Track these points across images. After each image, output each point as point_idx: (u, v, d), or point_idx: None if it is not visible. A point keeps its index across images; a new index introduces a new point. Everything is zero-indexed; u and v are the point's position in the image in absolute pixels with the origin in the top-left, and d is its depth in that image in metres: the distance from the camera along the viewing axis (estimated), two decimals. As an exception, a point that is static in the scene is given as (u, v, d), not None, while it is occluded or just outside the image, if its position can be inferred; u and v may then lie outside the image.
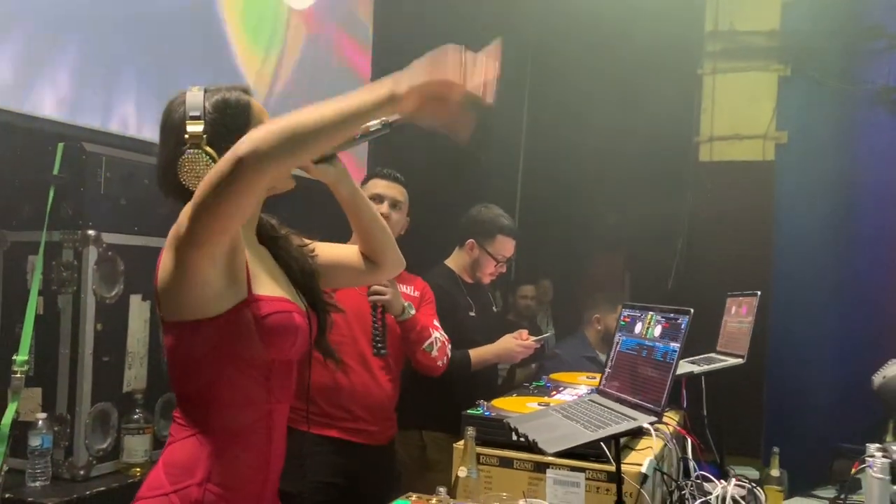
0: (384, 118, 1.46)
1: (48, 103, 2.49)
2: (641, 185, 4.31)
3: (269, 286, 1.45)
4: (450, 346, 2.62)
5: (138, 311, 2.51)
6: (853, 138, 4.10)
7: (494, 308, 3.14)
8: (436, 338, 2.55)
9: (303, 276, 1.59)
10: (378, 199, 2.53)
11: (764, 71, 4.40)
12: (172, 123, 1.43)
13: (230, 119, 1.43)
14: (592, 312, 3.72)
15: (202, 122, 1.40)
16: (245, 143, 1.20)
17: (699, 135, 4.53)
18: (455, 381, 2.66)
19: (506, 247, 2.97)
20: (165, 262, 1.36)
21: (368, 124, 1.46)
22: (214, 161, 1.37)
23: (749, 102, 4.41)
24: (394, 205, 2.59)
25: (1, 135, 2.40)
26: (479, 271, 2.99)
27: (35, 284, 2.34)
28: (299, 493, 2.02)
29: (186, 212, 1.28)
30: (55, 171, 2.39)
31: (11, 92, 2.38)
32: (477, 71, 1.28)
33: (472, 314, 2.94)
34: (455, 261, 3.03)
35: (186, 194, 1.35)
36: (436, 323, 2.61)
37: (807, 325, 3.98)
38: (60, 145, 2.40)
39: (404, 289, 2.57)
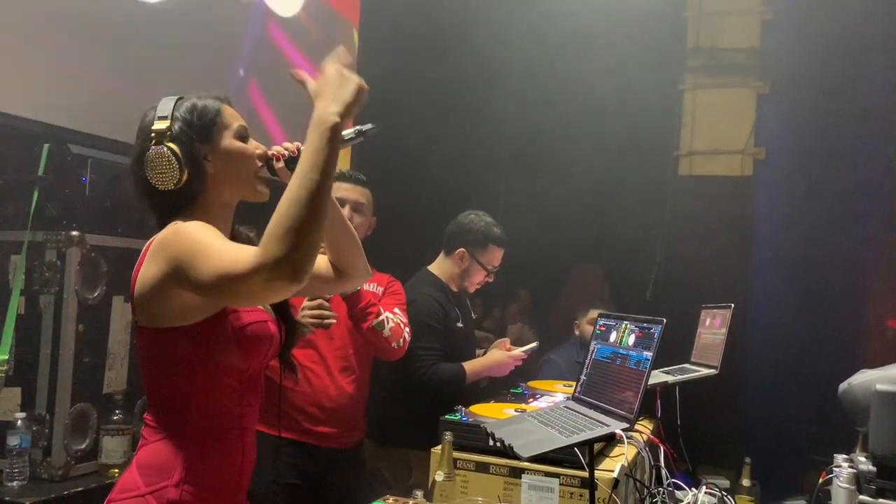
0: (358, 127, 1.53)
1: (33, 104, 2.49)
2: (621, 197, 4.36)
3: None
4: (408, 332, 2.50)
5: (120, 313, 2.52)
6: (830, 155, 4.16)
7: (473, 315, 3.09)
8: (387, 317, 2.42)
9: None
10: (339, 202, 2.46)
11: (743, 87, 4.47)
12: (143, 126, 1.49)
13: (196, 121, 1.48)
14: (574, 320, 3.85)
15: (168, 121, 1.45)
16: (267, 254, 1.20)
17: (679, 149, 4.59)
18: (446, 398, 2.47)
19: (496, 256, 2.91)
20: (148, 274, 1.39)
21: (342, 133, 1.48)
22: (176, 157, 1.42)
23: (728, 118, 4.47)
24: (356, 208, 2.53)
25: (-13, 134, 2.41)
26: (468, 281, 2.92)
27: (17, 284, 2.35)
28: (264, 494, 1.98)
29: (207, 264, 1.27)
30: (40, 172, 2.40)
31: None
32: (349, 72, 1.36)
33: (460, 325, 2.88)
34: (441, 268, 2.93)
35: (151, 190, 1.44)
36: (396, 310, 2.51)
37: (782, 338, 4.03)
38: (46, 146, 2.42)
39: (366, 287, 2.46)
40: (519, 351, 2.84)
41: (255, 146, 1.55)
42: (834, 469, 1.92)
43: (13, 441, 2.23)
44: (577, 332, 3.81)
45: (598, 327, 1.99)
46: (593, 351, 1.96)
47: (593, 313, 3.68)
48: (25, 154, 2.43)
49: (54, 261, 2.36)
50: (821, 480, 2.04)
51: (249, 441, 1.52)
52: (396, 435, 2.76)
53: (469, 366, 2.76)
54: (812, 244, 4.06)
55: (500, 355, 2.82)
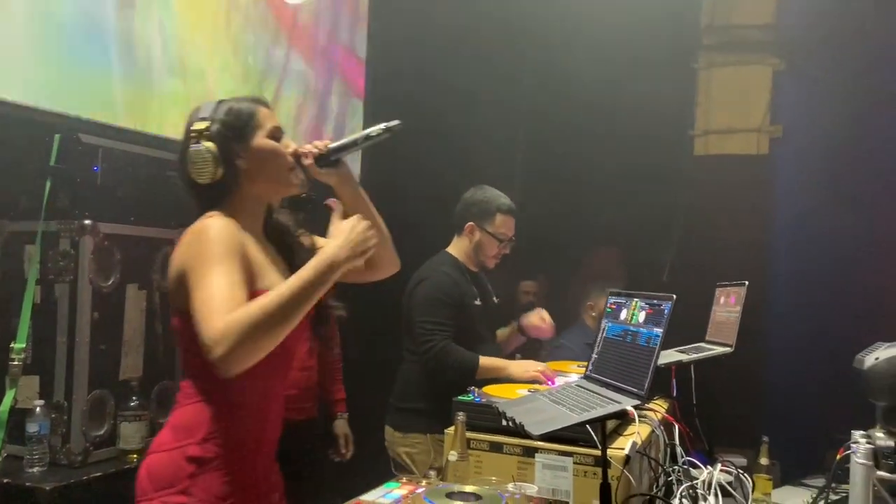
0: (385, 124, 1.72)
1: (45, 94, 2.51)
2: (637, 178, 4.32)
3: (273, 279, 1.61)
4: None
5: (134, 300, 2.54)
6: (848, 132, 4.10)
7: (495, 299, 3.02)
8: None
9: None
10: None
11: (759, 65, 4.41)
12: (187, 125, 1.65)
13: (233, 121, 1.63)
14: (586, 301, 3.82)
15: (207, 122, 1.61)
16: (217, 348, 1.36)
17: (694, 128, 4.54)
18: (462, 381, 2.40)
19: (507, 225, 2.87)
20: (174, 261, 1.57)
21: (369, 130, 1.72)
22: (212, 154, 1.58)
23: (744, 96, 4.42)
24: None
25: (-1, 125, 2.43)
26: (483, 255, 2.87)
27: (32, 274, 2.37)
28: None
29: (198, 300, 1.45)
30: (52, 162, 2.42)
31: (9, 83, 2.40)
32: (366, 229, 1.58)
33: (478, 303, 2.83)
34: (457, 248, 2.90)
35: (192, 183, 1.62)
36: None
37: (800, 316, 3.99)
38: (57, 136, 2.43)
39: None
40: (541, 365, 2.62)
41: (286, 145, 1.69)
42: (851, 445, 1.90)
43: (32, 428, 2.26)
44: (593, 314, 3.78)
45: (608, 305, 1.98)
46: (604, 329, 1.95)
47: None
48: (37, 144, 2.45)
49: (68, 250, 2.38)
50: (838, 457, 2.02)
51: (275, 408, 1.68)
52: (415, 420, 2.74)
53: (485, 361, 2.64)
54: (829, 221, 4.00)
55: (520, 368, 2.60)
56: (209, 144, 1.59)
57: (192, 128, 1.62)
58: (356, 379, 3.17)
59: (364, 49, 4.29)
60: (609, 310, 1.97)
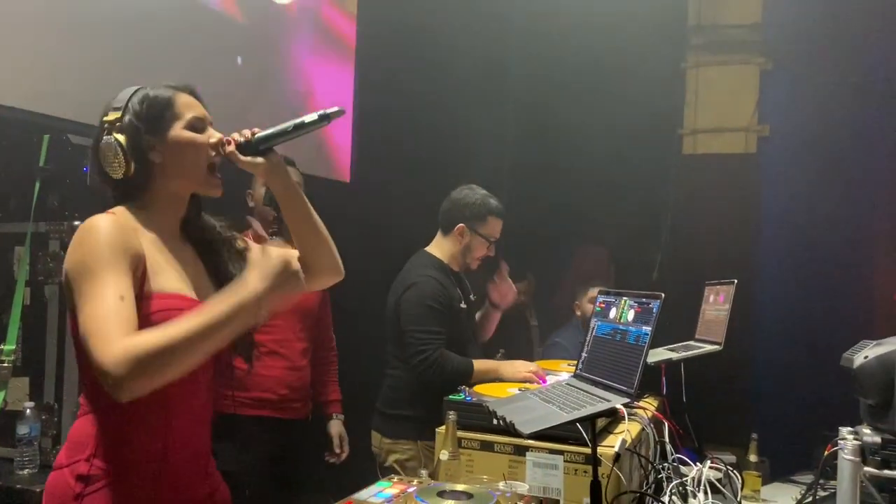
0: (322, 111, 1.53)
1: (33, 95, 2.50)
2: (626, 177, 4.35)
3: (169, 282, 1.48)
4: None
5: (124, 302, 2.53)
6: (835, 131, 4.13)
7: (472, 297, 2.97)
8: None
9: (228, 278, 1.55)
10: None
11: (746, 64, 4.45)
12: (102, 116, 1.52)
13: (145, 112, 1.49)
14: (574, 301, 3.85)
15: (119, 112, 1.48)
16: (113, 375, 1.23)
17: (683, 128, 4.57)
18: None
19: (496, 228, 2.83)
20: (66, 269, 1.41)
21: (304, 118, 1.54)
22: (122, 148, 1.46)
23: (732, 95, 4.46)
24: None
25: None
26: (469, 257, 2.83)
27: (22, 275, 2.36)
28: (238, 472, 2.04)
29: (84, 313, 1.32)
30: (41, 163, 2.41)
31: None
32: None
33: (463, 305, 2.80)
34: (440, 248, 2.85)
35: (105, 177, 1.50)
36: None
37: (788, 313, 4.03)
38: (46, 137, 2.42)
39: None
40: (533, 365, 2.62)
41: (209, 136, 1.55)
42: (839, 442, 1.91)
43: (23, 430, 2.25)
44: (578, 313, 3.82)
45: (598, 304, 2.00)
46: (594, 328, 1.96)
47: (593, 292, 3.67)
48: (26, 146, 2.44)
49: (57, 251, 2.37)
50: (826, 453, 2.03)
51: (181, 424, 1.51)
52: (405, 427, 2.70)
53: (479, 364, 2.61)
54: (816, 220, 4.05)
55: (512, 369, 2.58)
56: (119, 137, 1.46)
57: (103, 118, 1.49)
58: (350, 378, 3.16)
59: (352, 41, 4.29)
60: (598, 309, 1.98)
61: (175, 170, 1.52)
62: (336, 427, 2.99)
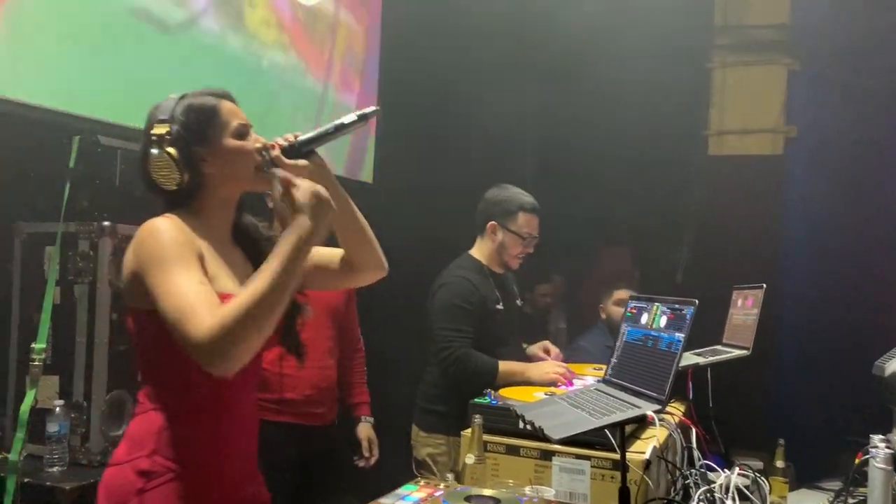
0: (359, 111, 1.60)
1: (63, 96, 2.52)
2: (650, 178, 4.32)
3: (225, 283, 1.52)
4: None
5: (152, 302, 2.55)
6: (863, 132, 4.08)
7: (518, 302, 3.00)
8: None
9: None
10: None
11: (773, 64, 4.40)
12: (147, 126, 1.55)
13: (193, 123, 1.53)
14: (599, 304, 3.82)
15: (168, 124, 1.51)
16: (212, 346, 1.28)
17: (708, 129, 4.53)
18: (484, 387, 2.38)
19: (530, 223, 2.82)
20: (126, 260, 1.49)
21: (343, 119, 1.60)
22: (175, 161, 1.49)
23: (758, 96, 4.41)
24: None
25: (18, 128, 2.45)
26: (506, 255, 2.83)
27: (52, 274, 2.39)
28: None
29: (168, 304, 1.36)
30: (71, 164, 2.43)
31: (28, 85, 2.42)
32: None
33: (500, 307, 2.80)
34: (480, 251, 2.87)
35: (156, 187, 1.53)
36: None
37: (815, 318, 3.98)
38: (76, 138, 2.45)
39: None
40: (561, 367, 2.59)
41: (253, 141, 1.59)
42: (870, 450, 1.89)
43: (52, 428, 2.28)
44: (603, 316, 3.78)
45: (629, 309, 1.98)
46: (624, 333, 1.95)
47: (619, 293, 3.65)
48: (56, 146, 2.46)
49: (87, 251, 2.39)
50: (857, 461, 2.01)
51: (231, 423, 1.55)
52: (438, 422, 2.75)
53: (505, 366, 2.60)
54: (845, 223, 3.99)
55: (549, 374, 2.54)
56: (171, 150, 1.49)
57: (151, 131, 1.51)
58: (379, 378, 3.15)
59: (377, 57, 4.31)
60: (629, 314, 1.97)
61: (225, 177, 1.57)
62: (365, 430, 2.95)
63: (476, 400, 2.04)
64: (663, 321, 1.77)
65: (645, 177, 4.31)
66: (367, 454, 2.94)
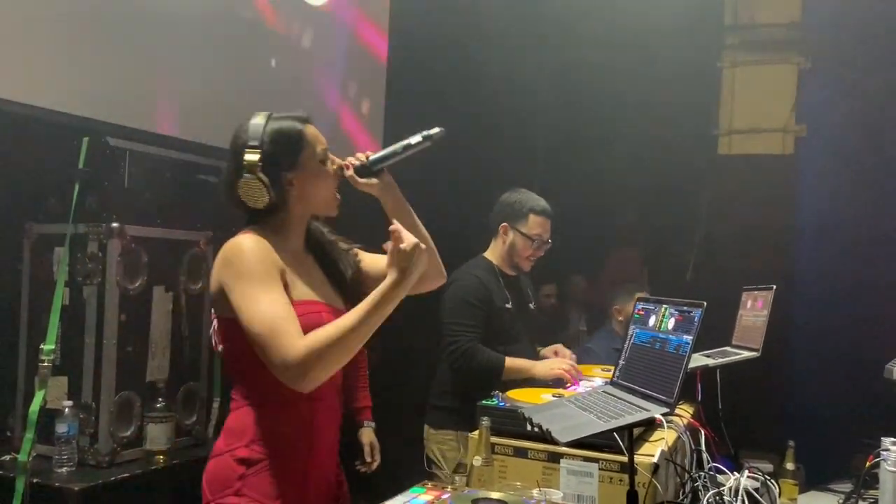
0: (424, 132, 1.72)
1: (72, 97, 2.53)
2: (660, 178, 4.30)
3: (303, 291, 1.65)
4: None
5: (161, 302, 2.56)
6: (874, 132, 4.05)
7: (531, 305, 3.04)
8: None
9: (343, 278, 1.79)
10: None
11: (784, 64, 4.38)
12: (236, 147, 1.64)
13: (282, 148, 1.63)
14: (612, 305, 3.80)
15: (259, 151, 1.60)
16: (297, 370, 1.46)
17: (718, 128, 4.51)
18: (490, 382, 2.49)
19: (541, 226, 2.86)
20: (213, 274, 1.61)
21: (409, 140, 1.73)
22: (265, 185, 1.60)
23: (769, 95, 4.39)
24: None
25: (27, 130, 2.46)
26: (517, 256, 2.88)
27: (61, 276, 2.40)
28: None
29: (254, 320, 1.50)
30: (80, 166, 2.45)
31: (37, 87, 2.43)
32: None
33: (509, 306, 2.85)
34: (493, 252, 2.93)
35: (246, 209, 1.64)
36: None
37: (826, 319, 3.95)
38: (85, 140, 2.46)
39: None
40: (567, 364, 2.64)
41: (332, 161, 1.72)
42: (882, 452, 1.88)
43: (61, 428, 2.29)
44: (620, 318, 3.75)
45: (636, 311, 1.97)
46: (632, 335, 1.94)
47: (641, 295, 3.62)
48: (65, 148, 2.47)
49: (96, 252, 2.40)
50: (868, 464, 1.99)
51: (324, 416, 1.69)
52: (447, 417, 2.79)
53: (511, 362, 2.67)
54: (856, 223, 3.96)
55: (545, 367, 2.62)
56: (263, 177, 1.60)
57: (244, 159, 1.60)
58: (390, 380, 3.16)
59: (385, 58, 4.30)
60: (637, 316, 1.96)
61: (307, 199, 1.69)
62: (367, 435, 2.93)
63: (484, 402, 2.03)
64: (671, 323, 1.76)
65: (654, 176, 4.29)
66: (368, 459, 2.93)
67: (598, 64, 4.20)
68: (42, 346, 2.36)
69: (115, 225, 2.40)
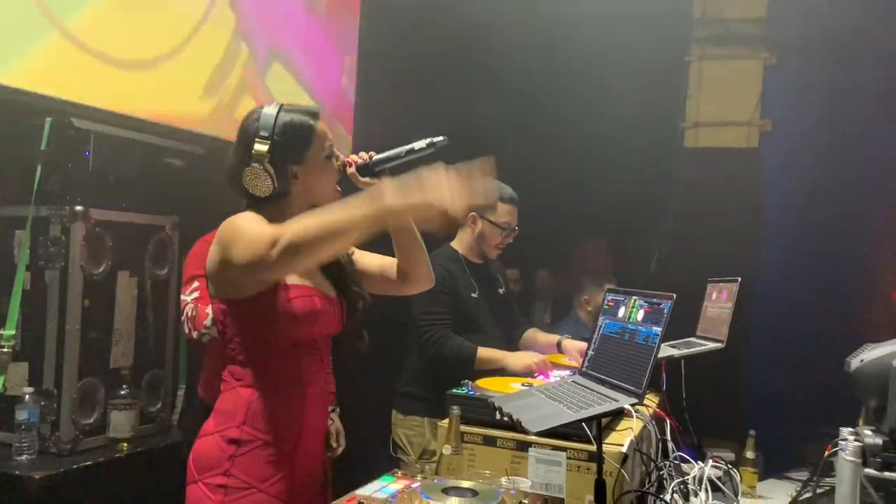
0: (430, 139, 1.78)
1: (35, 77, 2.47)
2: (627, 170, 4.32)
3: (296, 277, 1.68)
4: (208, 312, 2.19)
5: (126, 288, 2.52)
6: (837, 127, 4.12)
7: (501, 290, 3.06)
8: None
9: (335, 269, 1.81)
10: None
11: (750, 58, 4.43)
12: (246, 135, 1.67)
13: (291, 141, 1.67)
14: (581, 295, 3.83)
15: (269, 141, 1.63)
16: (286, 238, 1.43)
17: (685, 121, 4.55)
18: (461, 372, 2.45)
19: (509, 214, 2.90)
20: (212, 253, 1.62)
21: (414, 144, 1.77)
22: (270, 175, 1.63)
23: (735, 89, 4.43)
24: None
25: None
26: (485, 245, 2.93)
27: (22, 259, 2.35)
28: None
29: (234, 248, 1.51)
30: (43, 147, 2.39)
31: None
32: (464, 191, 1.45)
33: (475, 295, 2.88)
34: (459, 241, 2.97)
35: (248, 195, 1.67)
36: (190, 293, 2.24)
37: (787, 311, 4.02)
38: (48, 120, 2.40)
39: None
40: (538, 357, 2.66)
41: (336, 156, 1.76)
42: (839, 442, 1.92)
43: (21, 415, 2.25)
44: (589, 308, 3.79)
45: (606, 302, 1.99)
46: (601, 326, 1.96)
47: (610, 286, 3.66)
48: (27, 128, 2.41)
49: (59, 236, 2.36)
50: (826, 453, 2.04)
51: (313, 401, 1.72)
52: (414, 404, 2.82)
53: (483, 352, 2.70)
54: (819, 216, 4.04)
55: (517, 359, 2.65)
56: (269, 167, 1.63)
57: (254, 148, 1.62)
58: (358, 369, 3.15)
59: (356, 41, 4.27)
60: (606, 307, 1.98)
61: (309, 192, 1.72)
62: (332, 420, 2.96)
63: (454, 391, 2.04)
64: (640, 315, 1.78)
65: (620, 167, 4.31)
66: (334, 444, 2.93)
67: (567, 55, 4.20)
68: (2, 332, 2.31)
69: (78, 208, 2.36)
